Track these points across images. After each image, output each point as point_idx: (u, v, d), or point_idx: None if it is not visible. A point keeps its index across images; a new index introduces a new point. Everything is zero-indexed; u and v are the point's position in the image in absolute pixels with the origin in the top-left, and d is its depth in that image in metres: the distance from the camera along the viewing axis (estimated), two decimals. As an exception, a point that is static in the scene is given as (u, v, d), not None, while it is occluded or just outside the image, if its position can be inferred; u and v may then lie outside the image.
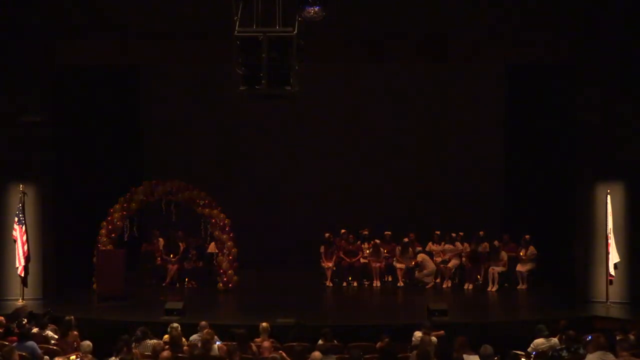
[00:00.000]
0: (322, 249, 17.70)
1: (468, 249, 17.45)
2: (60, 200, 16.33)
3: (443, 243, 17.67)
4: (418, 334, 11.45)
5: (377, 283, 17.59)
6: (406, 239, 17.63)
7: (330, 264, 17.64)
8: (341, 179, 19.89)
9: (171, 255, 17.61)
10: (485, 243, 17.39)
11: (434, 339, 11.20)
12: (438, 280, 17.48)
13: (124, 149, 19.11)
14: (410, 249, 17.59)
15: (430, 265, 17.39)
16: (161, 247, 17.78)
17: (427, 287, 17.31)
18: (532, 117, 18.21)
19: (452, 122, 19.85)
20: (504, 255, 17.02)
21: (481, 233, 17.50)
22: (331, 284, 17.63)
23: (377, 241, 17.67)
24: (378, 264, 17.58)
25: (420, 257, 17.46)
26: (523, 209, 18.41)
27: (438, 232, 17.79)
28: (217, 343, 10.83)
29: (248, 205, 19.40)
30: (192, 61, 17.06)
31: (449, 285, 17.36)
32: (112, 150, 18.55)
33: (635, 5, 14.85)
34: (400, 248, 17.62)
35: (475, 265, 17.22)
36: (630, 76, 15.06)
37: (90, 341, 10.42)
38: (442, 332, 11.91)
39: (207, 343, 10.56)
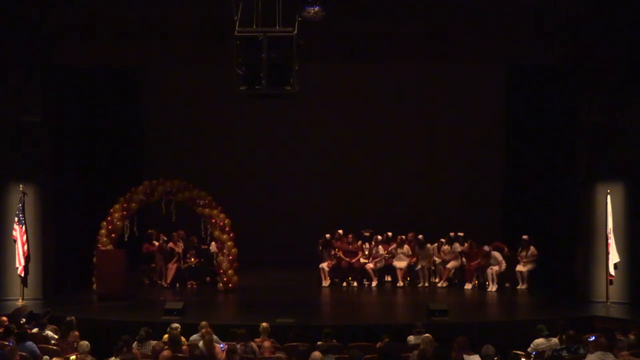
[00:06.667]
0: (320, 250, 17.66)
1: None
2: (60, 200, 16.32)
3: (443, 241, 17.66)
4: (411, 338, 11.45)
5: (375, 283, 17.57)
6: (402, 237, 17.61)
7: (330, 265, 17.60)
8: (341, 179, 19.89)
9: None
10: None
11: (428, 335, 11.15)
12: (436, 280, 17.50)
13: (124, 149, 19.12)
14: (407, 247, 17.58)
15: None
16: (179, 250, 17.53)
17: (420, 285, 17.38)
18: (532, 118, 18.19)
19: (452, 122, 19.85)
20: (497, 255, 17.02)
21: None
22: (327, 284, 17.54)
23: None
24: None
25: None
26: (523, 209, 18.40)
27: (443, 240, 17.65)
28: (221, 346, 10.82)
29: (248, 205, 19.39)
30: (192, 61, 17.04)
31: (444, 285, 17.34)
32: (112, 150, 18.56)
33: (635, 6, 14.84)
34: (396, 245, 17.60)
35: (473, 259, 17.15)
36: (631, 77, 15.06)
37: (90, 341, 10.43)
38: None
39: (208, 343, 10.57)
